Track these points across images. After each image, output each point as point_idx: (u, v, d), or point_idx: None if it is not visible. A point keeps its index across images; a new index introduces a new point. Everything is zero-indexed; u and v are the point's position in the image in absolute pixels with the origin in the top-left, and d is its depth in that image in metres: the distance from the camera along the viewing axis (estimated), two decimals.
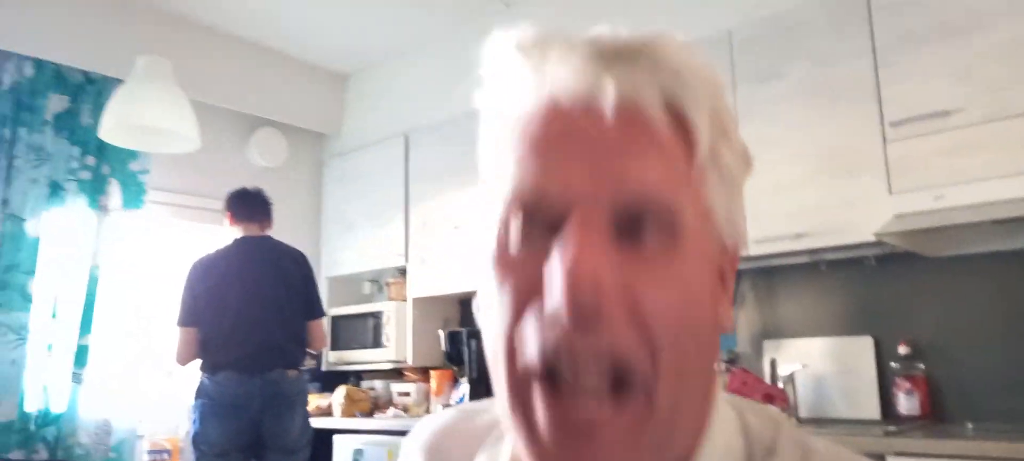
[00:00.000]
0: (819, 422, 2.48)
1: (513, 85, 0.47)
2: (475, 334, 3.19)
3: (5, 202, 2.91)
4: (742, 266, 2.69)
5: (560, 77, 0.44)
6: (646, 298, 0.41)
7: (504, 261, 0.44)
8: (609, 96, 0.43)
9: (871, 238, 2.24)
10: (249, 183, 3.18)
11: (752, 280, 2.83)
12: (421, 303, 3.65)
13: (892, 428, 2.18)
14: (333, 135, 4.23)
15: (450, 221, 3.50)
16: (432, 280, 3.55)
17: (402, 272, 3.76)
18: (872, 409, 2.49)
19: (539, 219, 0.42)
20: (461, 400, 3.13)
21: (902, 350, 2.42)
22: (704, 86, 0.45)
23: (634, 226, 0.42)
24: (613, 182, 0.42)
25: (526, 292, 0.42)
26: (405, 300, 3.68)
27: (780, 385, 2.58)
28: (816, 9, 2.48)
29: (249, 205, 3.10)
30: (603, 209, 0.41)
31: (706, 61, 0.47)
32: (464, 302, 3.79)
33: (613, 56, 0.45)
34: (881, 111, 2.31)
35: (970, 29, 2.16)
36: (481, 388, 3.09)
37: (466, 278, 3.35)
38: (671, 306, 0.42)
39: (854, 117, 2.36)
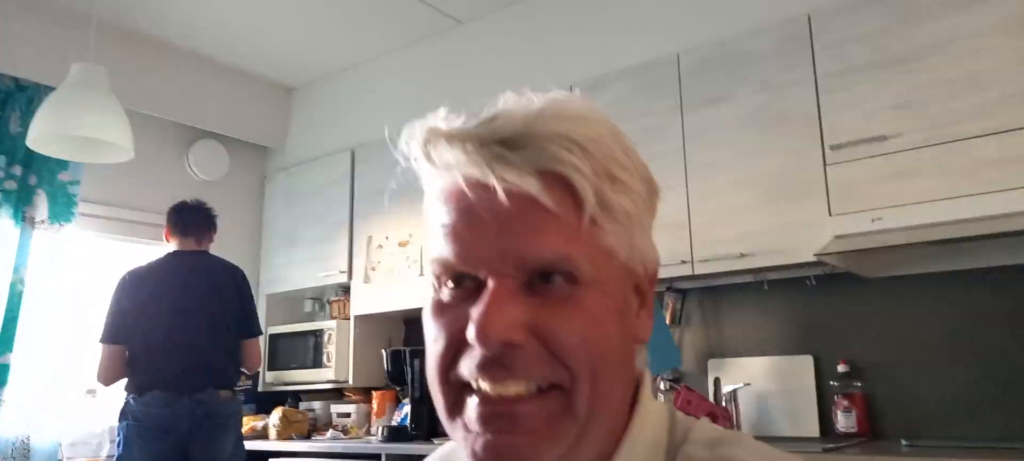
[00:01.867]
0: (761, 440, 2.50)
1: (426, 170, 0.58)
2: (418, 353, 3.13)
3: None
4: (688, 286, 2.74)
5: (458, 167, 0.53)
6: (553, 332, 0.51)
7: (440, 308, 0.55)
8: (497, 185, 0.51)
9: (812, 258, 2.29)
10: (188, 196, 3.07)
11: (698, 299, 2.85)
12: (364, 321, 3.57)
13: (830, 445, 2.21)
14: (277, 149, 4.14)
15: (395, 239, 3.44)
16: (376, 298, 3.48)
17: (346, 290, 3.68)
18: (812, 427, 2.53)
19: (464, 282, 0.53)
20: (403, 421, 3.06)
21: (841, 368, 2.47)
22: (583, 150, 0.52)
23: (542, 278, 0.52)
24: (514, 255, 0.51)
25: (459, 331, 0.53)
26: (348, 318, 3.60)
27: (723, 403, 2.60)
28: (762, 37, 2.54)
29: (187, 218, 2.98)
30: (511, 273, 0.52)
31: (588, 115, 0.55)
32: (408, 321, 3.73)
33: (498, 144, 0.52)
34: (822, 136, 2.37)
35: (908, 59, 2.24)
36: (423, 408, 3.03)
37: (410, 296, 3.30)
38: (574, 335, 0.52)
39: (797, 141, 2.42)
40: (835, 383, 2.48)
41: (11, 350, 2.89)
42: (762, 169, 2.47)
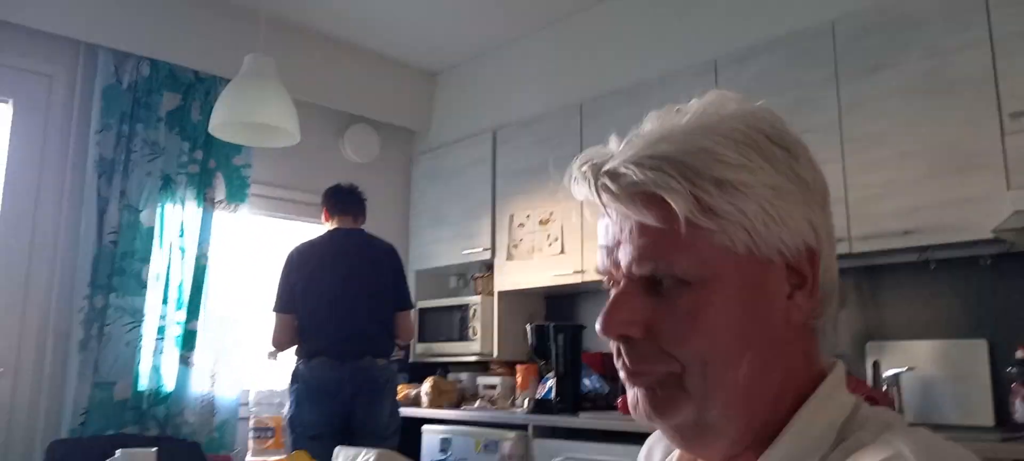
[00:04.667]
0: (927, 427, 2.37)
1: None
2: (563, 329, 3.19)
3: (123, 193, 3.09)
4: (844, 265, 2.62)
5: (585, 197, 0.65)
6: (662, 329, 0.61)
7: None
8: (605, 210, 0.64)
9: (989, 235, 2.13)
10: (342, 178, 3.29)
11: (855, 279, 2.73)
12: (507, 297, 3.68)
13: (1008, 435, 2.06)
14: (422, 132, 4.32)
15: (536, 217, 3.52)
16: (518, 275, 3.57)
17: (489, 266, 3.80)
18: (986, 415, 2.36)
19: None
20: (548, 394, 3.14)
21: (1020, 354, 2.29)
22: (681, 165, 0.60)
23: (657, 282, 0.61)
24: (625, 266, 0.62)
25: None
26: (491, 294, 3.72)
27: (884, 388, 2.47)
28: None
29: (343, 200, 3.20)
30: (632, 277, 0.62)
31: (704, 126, 0.62)
32: (550, 297, 3.81)
33: (605, 176, 0.62)
34: (999, 103, 2.19)
35: None
36: (568, 382, 3.09)
37: (552, 273, 3.37)
38: (679, 331, 0.60)
39: (970, 110, 2.25)
40: (1013, 369, 2.30)
41: (197, 318, 3.22)
42: (929, 140, 2.32)
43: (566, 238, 3.35)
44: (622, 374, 0.65)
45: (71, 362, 2.91)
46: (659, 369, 0.61)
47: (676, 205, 0.59)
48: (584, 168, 0.64)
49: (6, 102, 3.06)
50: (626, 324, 0.62)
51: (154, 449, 1.86)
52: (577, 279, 3.27)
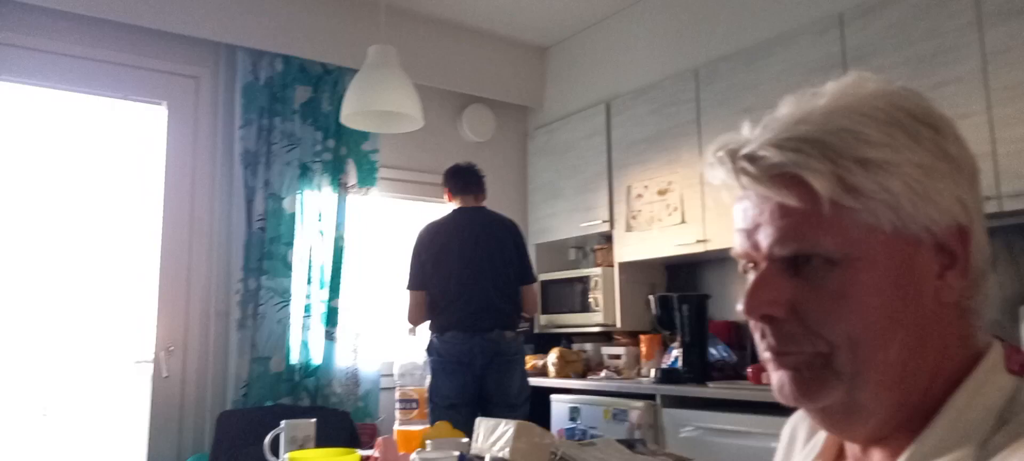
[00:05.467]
0: None
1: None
2: (686, 299, 3.19)
3: (267, 183, 3.34)
4: (994, 225, 2.47)
5: (722, 180, 0.66)
6: (808, 309, 0.61)
7: (743, 277, 0.68)
8: (748, 192, 0.64)
9: None
10: (461, 158, 3.41)
11: (1006, 239, 2.56)
12: (627, 268, 3.70)
13: None
14: (536, 107, 4.38)
15: (654, 187, 3.50)
16: (638, 246, 3.58)
17: (608, 238, 3.83)
18: None
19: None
20: (674, 364, 3.15)
21: None
22: (821, 145, 0.60)
23: (802, 262, 0.61)
24: (766, 248, 0.63)
25: None
26: (611, 265, 3.75)
27: None
28: None
29: (464, 179, 3.32)
30: (773, 258, 0.63)
31: (843, 106, 0.62)
32: (670, 267, 3.79)
33: (743, 159, 0.63)
34: None
35: None
36: (694, 351, 3.09)
37: (672, 244, 3.36)
38: (826, 311, 0.61)
39: None
40: None
41: (338, 296, 3.45)
42: None
43: (686, 208, 3.33)
44: (767, 355, 0.66)
45: (231, 340, 3.20)
46: (806, 349, 0.62)
47: (818, 185, 0.59)
48: (720, 153, 0.65)
49: (161, 104, 3.36)
50: (770, 304, 0.63)
51: (314, 420, 2.04)
52: (699, 248, 3.25)
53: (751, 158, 0.63)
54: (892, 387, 0.61)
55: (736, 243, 0.67)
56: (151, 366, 3.16)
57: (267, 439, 1.99)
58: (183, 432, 3.15)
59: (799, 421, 0.81)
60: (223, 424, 2.82)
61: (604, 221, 3.77)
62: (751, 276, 0.66)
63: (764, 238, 0.63)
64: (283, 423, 2.00)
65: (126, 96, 3.27)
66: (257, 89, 3.37)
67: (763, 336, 0.65)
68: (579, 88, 4.10)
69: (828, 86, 0.65)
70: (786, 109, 0.65)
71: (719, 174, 0.66)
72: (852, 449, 0.68)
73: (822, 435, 0.73)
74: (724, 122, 3.17)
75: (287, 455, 1.73)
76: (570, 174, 4.05)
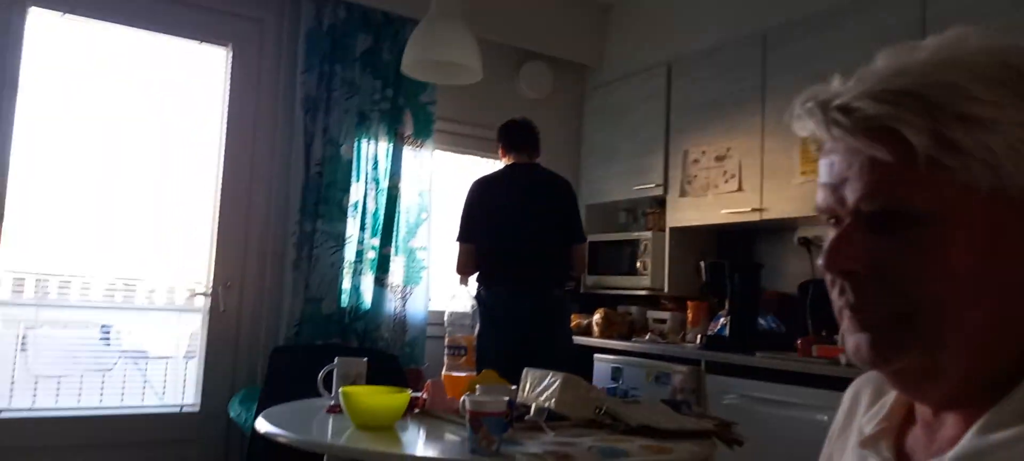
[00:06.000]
0: None
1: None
2: (739, 267, 3.15)
3: (326, 129, 3.39)
4: None
5: (811, 132, 0.65)
6: (891, 267, 0.59)
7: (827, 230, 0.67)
8: (836, 145, 0.63)
9: None
10: (517, 114, 3.40)
11: None
12: (678, 233, 3.67)
13: None
14: (595, 66, 4.33)
15: (712, 153, 3.45)
16: (691, 211, 3.55)
17: (660, 202, 3.80)
18: None
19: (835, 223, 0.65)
20: (721, 331, 3.13)
21: None
22: (921, 99, 0.58)
23: (888, 219, 0.60)
24: (851, 203, 0.61)
25: None
26: (662, 230, 3.73)
27: None
28: None
29: (519, 135, 3.32)
30: (859, 213, 0.61)
31: (946, 60, 0.59)
32: (722, 234, 3.75)
33: (836, 110, 0.61)
34: None
35: None
36: (743, 320, 3.06)
37: (727, 211, 3.31)
38: (910, 270, 0.59)
39: None
40: None
41: (390, 244, 3.51)
42: None
43: (745, 175, 3.27)
44: (844, 314, 0.65)
45: (286, 279, 3.29)
46: (886, 308, 0.60)
47: (914, 139, 0.57)
48: (809, 104, 0.63)
49: (226, 46, 3.42)
50: (851, 259, 0.61)
51: (365, 359, 2.10)
52: (755, 217, 3.20)
53: (845, 109, 0.61)
54: (973, 352, 0.60)
55: (819, 198, 0.66)
56: (209, 300, 3.27)
57: (321, 374, 2.05)
58: (237, 365, 3.27)
59: (863, 384, 0.80)
60: (276, 359, 2.92)
61: (658, 185, 3.74)
62: (830, 233, 0.64)
63: (851, 192, 0.61)
64: (336, 360, 2.06)
65: (192, 36, 3.34)
66: (320, 35, 3.41)
67: (841, 292, 0.64)
68: (640, 49, 4.04)
69: (928, 40, 0.63)
70: (883, 61, 0.63)
71: (808, 125, 0.64)
72: (923, 413, 0.67)
73: (889, 398, 0.72)
74: (790, 90, 3.08)
75: (340, 390, 1.79)
76: (625, 136, 4.01)
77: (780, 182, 3.10)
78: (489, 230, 3.15)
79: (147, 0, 3.20)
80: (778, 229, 3.39)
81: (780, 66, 3.17)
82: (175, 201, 3.31)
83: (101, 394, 3.11)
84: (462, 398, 1.76)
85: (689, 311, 3.47)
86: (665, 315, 3.64)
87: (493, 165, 3.84)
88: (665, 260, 3.67)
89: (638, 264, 3.76)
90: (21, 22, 2.95)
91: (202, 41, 3.37)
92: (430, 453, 1.62)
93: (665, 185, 3.71)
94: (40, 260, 3.03)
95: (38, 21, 3.01)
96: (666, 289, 3.66)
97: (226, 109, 3.37)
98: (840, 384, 2.31)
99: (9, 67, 2.89)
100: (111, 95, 3.17)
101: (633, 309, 3.86)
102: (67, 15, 3.06)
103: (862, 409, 0.77)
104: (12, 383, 2.95)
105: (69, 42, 3.09)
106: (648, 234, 3.76)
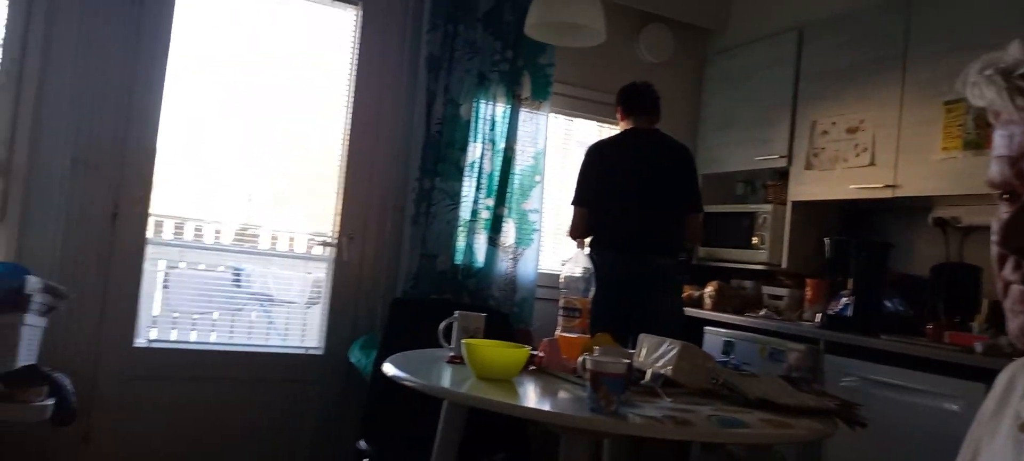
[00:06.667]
0: None
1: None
2: (866, 245, 3.01)
3: (447, 88, 3.45)
4: None
5: (990, 103, 0.62)
6: None
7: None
8: (1016, 115, 0.60)
9: None
10: (635, 78, 3.35)
11: None
12: (801, 208, 3.53)
13: None
14: (718, 31, 4.18)
15: (843, 124, 3.28)
16: (816, 185, 3.40)
17: (782, 174, 3.66)
18: None
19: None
20: (843, 311, 3.00)
21: None
22: None
23: None
24: None
25: None
26: (783, 203, 3.60)
27: None
28: None
29: (639, 99, 3.27)
30: None
31: None
32: (847, 211, 3.58)
33: (1020, 80, 0.58)
34: None
35: None
36: (868, 300, 2.93)
37: (856, 186, 3.16)
38: None
39: None
40: None
41: (503, 204, 3.56)
42: None
43: (878, 149, 3.10)
44: (1011, 291, 0.62)
45: (405, 234, 3.41)
46: None
47: None
48: (989, 71, 0.61)
49: (356, 5, 3.53)
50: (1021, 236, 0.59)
51: (484, 315, 2.16)
52: (887, 194, 3.03)
53: None
54: None
55: (993, 171, 0.63)
56: (334, 250, 3.44)
57: (442, 325, 2.13)
58: (358, 312, 3.43)
59: (1019, 370, 0.76)
60: (396, 310, 3.04)
61: (781, 156, 3.60)
62: (1003, 208, 0.62)
63: None
64: (457, 313, 2.13)
65: None
66: None
67: (1016, 267, 0.61)
68: (768, 12, 3.87)
69: None
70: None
71: (986, 94, 0.62)
72: None
73: None
74: (934, 59, 2.89)
75: (463, 342, 1.85)
76: (748, 104, 3.87)
77: (917, 157, 2.92)
78: (604, 195, 3.14)
79: None
80: (910, 208, 3.20)
81: (924, 33, 2.96)
82: (306, 156, 3.49)
83: (231, 332, 3.35)
84: (581, 358, 1.78)
85: (808, 288, 3.35)
86: (782, 291, 3.53)
87: (608, 130, 3.81)
88: (784, 235, 3.55)
89: (754, 238, 3.66)
90: None
91: (333, 2, 3.49)
92: (548, 407, 1.65)
93: (789, 156, 3.56)
94: (182, 205, 3.27)
95: None
96: (784, 265, 3.54)
97: (355, 67, 3.50)
98: (973, 373, 2.20)
99: (162, 31, 3.10)
100: (250, 55, 3.35)
101: (747, 283, 3.77)
102: None
103: (1017, 395, 0.74)
104: (156, 316, 3.23)
105: (213, 7, 3.28)
106: (767, 207, 3.64)
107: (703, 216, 3.36)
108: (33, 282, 2.37)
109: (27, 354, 2.34)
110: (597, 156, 3.23)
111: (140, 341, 3.12)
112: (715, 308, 3.55)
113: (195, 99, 3.23)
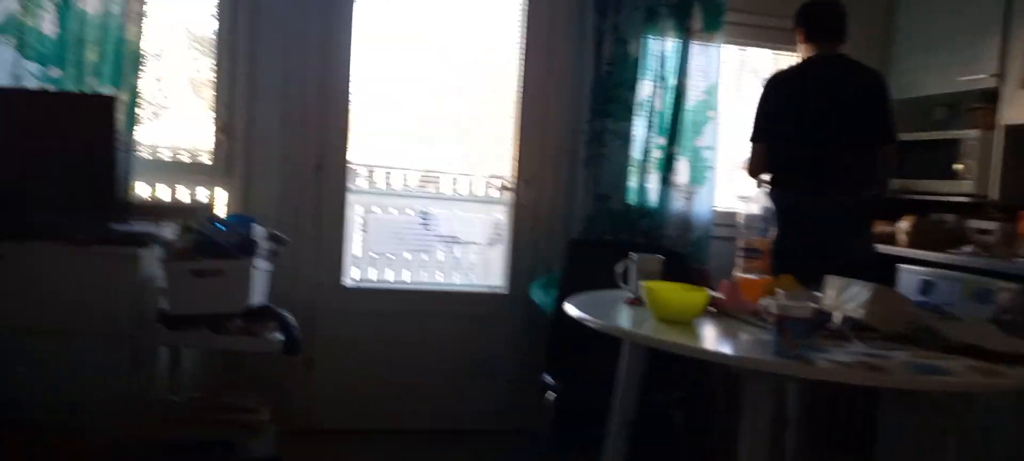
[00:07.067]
0: None
1: None
2: None
3: (615, 27, 3.43)
4: None
5: None
6: None
7: None
8: None
9: None
10: None
11: None
12: (1015, 133, 3.18)
13: None
14: None
15: None
16: None
17: (990, 96, 3.30)
18: None
19: None
20: None
21: None
22: None
23: None
24: None
25: None
26: (991, 128, 3.25)
27: None
28: None
29: (823, 19, 3.07)
30: None
31: None
32: None
33: None
34: None
35: None
36: None
37: None
38: None
39: None
40: None
41: (675, 143, 3.51)
42: None
43: None
44: None
45: (578, 176, 3.48)
46: None
47: None
48: None
49: None
50: None
51: (661, 257, 2.19)
52: None
53: None
54: None
55: None
56: (512, 194, 3.60)
57: (619, 267, 2.20)
58: (536, 253, 3.59)
59: None
60: (572, 250, 3.15)
61: (992, 75, 3.24)
62: None
63: None
64: (634, 256, 2.18)
65: None
66: None
67: None
68: None
69: None
70: None
71: None
72: None
73: None
74: None
75: (642, 283, 1.91)
76: (949, 19, 3.50)
77: None
78: (785, 129, 3.01)
79: None
80: None
81: None
82: (482, 103, 3.65)
83: (421, 271, 3.64)
84: (764, 300, 1.78)
85: (1022, 222, 3.03)
86: (991, 225, 3.22)
87: (786, 59, 3.61)
88: (994, 163, 3.22)
89: (957, 167, 3.35)
90: None
91: None
92: (730, 350, 1.68)
93: (1001, 75, 3.20)
94: (372, 153, 3.56)
95: None
96: (995, 196, 3.22)
97: (525, 12, 3.56)
98: None
99: None
100: (429, 8, 3.52)
101: (949, 217, 3.47)
102: None
103: None
104: (356, 257, 3.57)
105: None
106: (973, 133, 3.31)
107: (897, 147, 3.12)
108: (258, 230, 2.71)
109: (258, 295, 2.69)
110: (775, 88, 3.09)
111: (347, 281, 3.48)
112: (911, 245, 3.32)
113: (379, 54, 3.47)
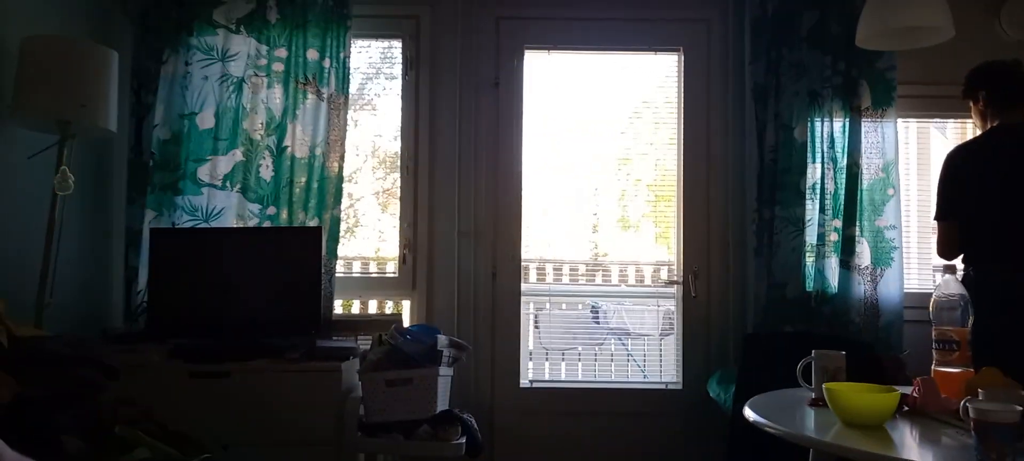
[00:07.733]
0: None
1: None
2: None
3: (777, 115, 3.41)
4: None
5: None
6: None
7: None
8: None
9: None
10: (997, 58, 2.91)
11: None
12: None
13: None
14: None
15: None
16: None
17: None
18: None
19: None
20: None
21: None
22: None
23: None
24: None
25: None
26: None
27: None
28: None
29: (1009, 85, 2.86)
30: None
31: None
32: None
33: None
34: None
35: None
36: None
37: None
38: None
39: None
40: None
41: (854, 225, 3.36)
42: None
43: None
44: None
45: (749, 266, 3.42)
46: None
47: None
48: None
49: (677, 51, 3.68)
50: None
51: (844, 353, 2.10)
52: None
53: None
54: None
55: None
56: (681, 287, 3.60)
57: (799, 366, 2.14)
58: (710, 347, 3.53)
59: None
60: (750, 345, 3.07)
61: None
62: None
63: None
64: (814, 353, 2.11)
65: (648, 49, 3.69)
66: (765, 22, 3.44)
67: None
68: None
69: None
70: None
71: None
72: None
73: None
74: None
75: (825, 387, 1.85)
76: None
77: None
78: (975, 204, 2.80)
79: (610, 26, 3.65)
80: None
81: None
82: (645, 196, 3.72)
83: (594, 367, 3.69)
84: (962, 401, 1.66)
85: None
86: None
87: (970, 128, 3.38)
88: None
89: None
90: (521, 62, 3.65)
91: (657, 52, 3.70)
92: (929, 459, 1.58)
93: None
94: (543, 250, 3.72)
95: (532, 60, 3.68)
96: None
97: (681, 108, 3.64)
98: None
99: (516, 97, 3.61)
100: (587, 108, 3.71)
101: None
102: (552, 51, 3.68)
103: None
104: (530, 351, 3.70)
105: (554, 71, 3.71)
106: None
107: None
108: (442, 339, 2.92)
109: (442, 400, 2.88)
110: (962, 161, 2.89)
111: (524, 382, 3.61)
112: None
113: (545, 158, 3.67)
